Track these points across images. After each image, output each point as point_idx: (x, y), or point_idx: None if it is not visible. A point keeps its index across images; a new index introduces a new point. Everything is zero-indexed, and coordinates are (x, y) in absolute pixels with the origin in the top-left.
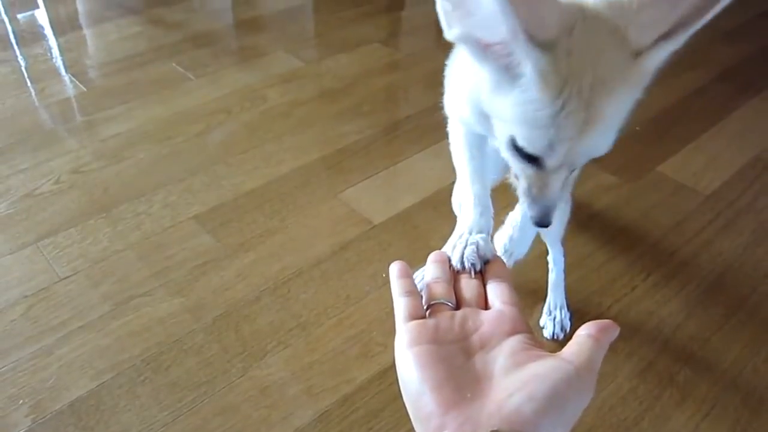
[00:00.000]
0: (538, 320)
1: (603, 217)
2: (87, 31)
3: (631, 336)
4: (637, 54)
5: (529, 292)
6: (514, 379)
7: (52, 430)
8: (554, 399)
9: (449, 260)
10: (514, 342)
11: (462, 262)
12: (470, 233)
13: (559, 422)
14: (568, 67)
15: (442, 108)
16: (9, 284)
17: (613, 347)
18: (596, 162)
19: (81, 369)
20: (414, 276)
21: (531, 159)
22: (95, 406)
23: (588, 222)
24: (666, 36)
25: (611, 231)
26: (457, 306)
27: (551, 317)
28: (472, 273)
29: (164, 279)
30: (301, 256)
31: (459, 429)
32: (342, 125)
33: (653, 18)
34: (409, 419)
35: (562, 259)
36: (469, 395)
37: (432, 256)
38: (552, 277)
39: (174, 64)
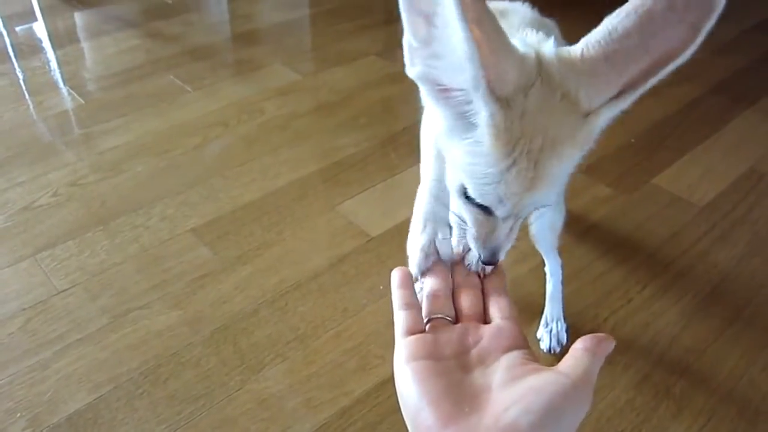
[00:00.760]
0: (535, 333)
1: (599, 230)
2: (85, 44)
3: (628, 348)
4: (587, 115)
5: (526, 305)
6: (511, 392)
7: None
8: (551, 412)
9: (450, 269)
10: (511, 357)
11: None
12: (428, 228)
13: None
14: (521, 128)
15: None
16: (7, 297)
17: (609, 359)
18: (592, 174)
19: (79, 382)
20: (415, 285)
21: (480, 207)
22: (93, 420)
23: (584, 234)
24: (614, 98)
25: (607, 243)
26: (456, 319)
27: (548, 330)
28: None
29: (162, 292)
30: (298, 269)
31: None
32: (339, 138)
33: (601, 80)
34: None
35: (559, 270)
36: (467, 409)
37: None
38: (549, 288)
39: (172, 77)
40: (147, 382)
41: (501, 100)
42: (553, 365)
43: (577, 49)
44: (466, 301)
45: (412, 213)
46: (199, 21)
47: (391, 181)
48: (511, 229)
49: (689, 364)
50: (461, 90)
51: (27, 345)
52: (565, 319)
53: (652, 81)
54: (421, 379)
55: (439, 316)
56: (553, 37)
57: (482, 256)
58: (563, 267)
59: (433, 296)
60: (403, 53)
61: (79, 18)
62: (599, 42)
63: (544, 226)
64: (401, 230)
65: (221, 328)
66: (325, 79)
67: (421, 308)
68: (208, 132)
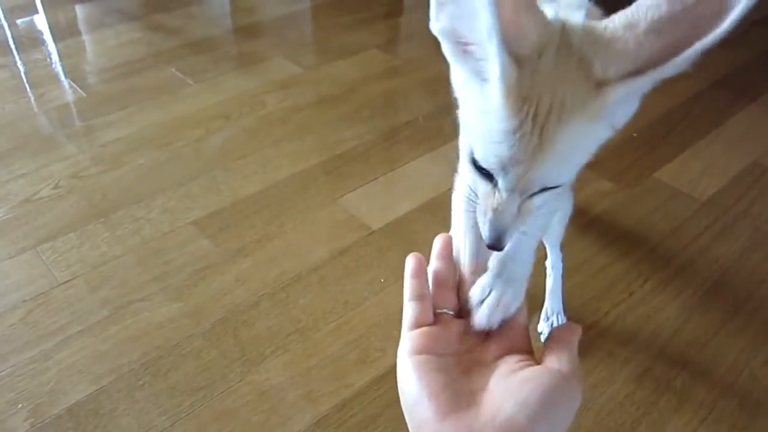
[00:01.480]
0: (536, 326)
1: (600, 223)
2: (86, 37)
3: (629, 341)
4: (599, 85)
5: (527, 298)
6: (506, 385)
7: None
8: (546, 404)
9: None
10: (512, 359)
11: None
12: (499, 282)
13: (552, 428)
14: (530, 87)
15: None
16: (8, 289)
17: (610, 352)
18: (593, 168)
19: (80, 373)
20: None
21: (488, 176)
22: (94, 411)
23: (585, 228)
24: (630, 74)
25: (608, 237)
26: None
27: (548, 323)
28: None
29: (163, 284)
30: (299, 262)
31: None
32: (340, 131)
33: (620, 51)
34: (407, 425)
35: (561, 264)
36: (464, 404)
37: (438, 245)
38: (550, 282)
39: (173, 70)
40: (148, 373)
41: (514, 56)
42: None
43: (603, 21)
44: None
45: (412, 207)
46: (201, 14)
47: (393, 175)
48: (520, 210)
49: (690, 358)
50: (478, 44)
51: (28, 336)
52: (565, 312)
53: (675, 62)
54: (421, 373)
55: (445, 310)
56: (585, 11)
57: (486, 237)
58: (564, 260)
59: (440, 288)
60: (403, 47)
61: (80, 10)
62: (626, 14)
63: (554, 218)
64: (403, 223)
65: (222, 320)
66: (327, 72)
67: (430, 300)
68: (210, 125)
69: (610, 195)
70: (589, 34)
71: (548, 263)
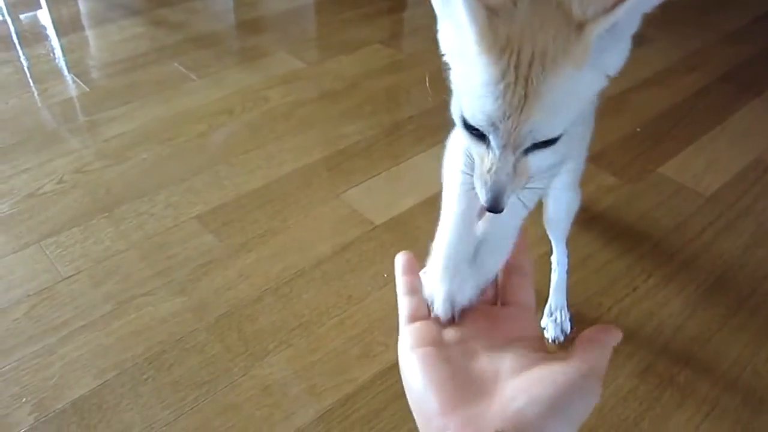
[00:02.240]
0: (540, 321)
1: (604, 219)
2: (89, 32)
3: (632, 337)
4: (581, 27)
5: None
6: (519, 381)
7: (54, 429)
8: (559, 402)
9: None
10: (521, 345)
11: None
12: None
13: (564, 426)
14: (508, 36)
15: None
16: (12, 283)
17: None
18: (597, 163)
19: (84, 368)
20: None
21: (481, 136)
22: (98, 405)
23: (589, 223)
24: (609, 10)
25: (612, 232)
26: None
27: (552, 319)
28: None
29: (166, 278)
30: (302, 256)
31: (462, 430)
32: (343, 126)
33: None
34: (411, 418)
35: (566, 260)
36: (472, 396)
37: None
38: (554, 277)
39: (176, 65)
40: (151, 368)
41: (489, 6)
42: (556, 354)
43: None
44: None
45: (416, 202)
46: (204, 8)
47: (396, 170)
48: (516, 170)
49: (693, 354)
50: None
51: (32, 331)
52: (569, 308)
53: None
54: (426, 366)
55: None
56: None
57: (485, 201)
58: (568, 256)
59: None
60: (407, 42)
61: (83, 5)
62: None
63: (561, 209)
64: (405, 218)
65: (226, 314)
66: (330, 67)
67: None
68: (213, 120)
69: (614, 190)
70: None
71: (554, 259)
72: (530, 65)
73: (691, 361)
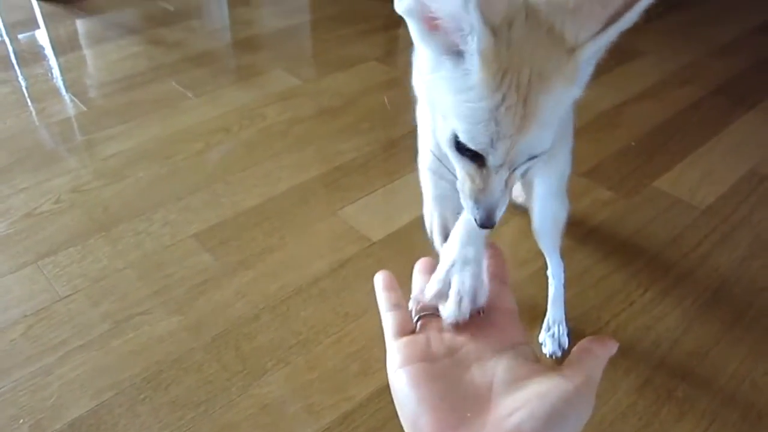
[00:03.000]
0: (537, 335)
1: (600, 233)
2: (87, 51)
3: (630, 351)
4: (572, 50)
5: (526, 309)
6: (515, 397)
7: None
8: (554, 417)
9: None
10: (511, 355)
11: (453, 315)
12: (453, 270)
13: None
14: (508, 58)
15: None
16: (9, 303)
17: (611, 362)
18: (593, 177)
19: (81, 388)
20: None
21: (474, 157)
22: (95, 426)
23: (585, 238)
24: (598, 33)
25: (608, 246)
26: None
27: (550, 333)
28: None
29: (164, 297)
30: (300, 274)
31: None
32: (340, 143)
33: (587, 17)
34: None
35: (561, 272)
36: (468, 414)
37: (418, 266)
38: (551, 291)
39: (174, 84)
40: (149, 387)
41: (490, 27)
42: (554, 369)
43: None
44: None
45: (412, 218)
46: (201, 27)
47: (392, 186)
48: (506, 184)
49: (691, 368)
50: (451, 15)
51: (30, 351)
52: (566, 322)
53: (635, 10)
54: (417, 384)
55: (429, 312)
56: None
57: (478, 218)
58: (564, 270)
59: (421, 294)
60: (402, 59)
61: (81, 25)
62: None
63: (547, 219)
64: (402, 235)
65: (223, 333)
66: (326, 85)
67: (406, 309)
68: (210, 138)
69: (610, 204)
70: (553, 4)
71: (549, 272)
72: (528, 86)
73: (689, 376)
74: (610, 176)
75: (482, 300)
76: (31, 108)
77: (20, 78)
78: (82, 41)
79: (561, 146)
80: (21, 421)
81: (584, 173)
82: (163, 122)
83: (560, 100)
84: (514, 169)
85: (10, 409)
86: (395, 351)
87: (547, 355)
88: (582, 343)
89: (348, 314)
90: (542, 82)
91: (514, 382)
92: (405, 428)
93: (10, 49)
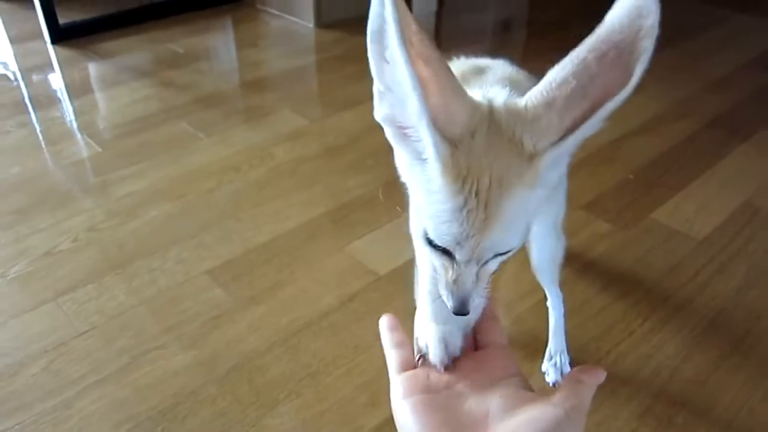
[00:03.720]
0: (540, 365)
1: (599, 265)
2: (100, 95)
3: (630, 380)
4: (531, 158)
5: (528, 341)
6: (510, 423)
7: None
8: None
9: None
10: (506, 385)
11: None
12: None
13: None
14: (468, 165)
15: None
16: (30, 339)
17: (612, 391)
18: (591, 210)
19: (100, 421)
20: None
21: (443, 251)
22: None
23: (584, 269)
24: (556, 143)
25: (607, 278)
26: None
27: (552, 363)
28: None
29: (178, 332)
30: (310, 308)
31: None
32: (346, 180)
33: (545, 127)
34: None
35: (561, 304)
36: None
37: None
38: (551, 322)
39: (185, 125)
40: (165, 420)
41: (448, 139)
42: (546, 396)
43: (522, 100)
44: None
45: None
46: (210, 69)
47: (398, 221)
48: (478, 277)
49: (690, 395)
50: (413, 127)
51: (50, 385)
52: (568, 352)
53: (592, 122)
54: (419, 413)
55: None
56: (508, 90)
57: (451, 307)
58: (565, 302)
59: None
60: None
61: (93, 69)
62: (541, 91)
63: (544, 257)
64: (408, 268)
65: (236, 366)
66: (332, 124)
67: (411, 346)
68: (221, 177)
69: (608, 237)
70: (513, 114)
71: (549, 304)
72: (489, 191)
73: (689, 403)
74: (609, 209)
75: (456, 348)
76: (47, 150)
77: (36, 121)
78: (95, 84)
79: (557, 191)
80: None
81: (583, 206)
82: (175, 162)
83: (522, 204)
84: (486, 262)
85: None
86: (398, 384)
87: (550, 384)
88: (572, 373)
89: (357, 347)
90: (502, 187)
91: (509, 409)
92: None
93: (26, 93)
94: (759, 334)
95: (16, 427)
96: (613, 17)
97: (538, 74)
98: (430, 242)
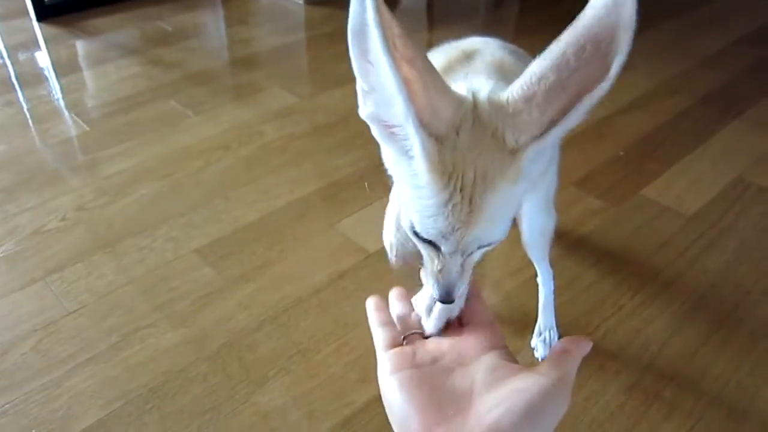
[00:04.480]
0: (529, 341)
1: (590, 241)
2: (88, 72)
3: (619, 354)
4: (513, 153)
5: (519, 317)
6: (494, 394)
7: None
8: (531, 411)
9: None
10: (491, 358)
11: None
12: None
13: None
14: (453, 161)
15: None
16: (19, 319)
17: (601, 365)
18: (582, 187)
19: (90, 399)
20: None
21: (429, 243)
22: None
23: (575, 245)
24: (537, 137)
25: (598, 253)
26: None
27: (541, 339)
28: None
29: (168, 311)
30: (300, 286)
31: None
32: (336, 158)
33: (526, 122)
34: None
35: (551, 280)
36: (451, 412)
37: (393, 293)
38: (541, 298)
39: (173, 103)
40: (156, 397)
41: (434, 136)
42: (531, 368)
43: (505, 94)
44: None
45: None
46: (199, 47)
47: (387, 199)
48: (463, 267)
49: (679, 369)
50: (400, 126)
51: (40, 364)
52: (557, 327)
53: (572, 116)
54: (405, 388)
55: (414, 332)
56: (492, 83)
57: (437, 295)
58: (555, 277)
59: (405, 315)
60: None
61: (81, 46)
62: (522, 86)
63: (535, 232)
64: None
65: (226, 344)
66: (322, 101)
67: (396, 326)
68: (210, 155)
69: (599, 213)
70: (496, 108)
71: (539, 280)
72: (473, 186)
73: (677, 377)
74: (600, 185)
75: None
76: (34, 129)
77: (23, 100)
78: (83, 62)
79: (550, 167)
80: (33, 431)
81: (574, 183)
82: (163, 140)
83: (505, 198)
84: (470, 254)
85: (22, 421)
86: (385, 361)
87: (539, 359)
88: (558, 344)
89: (347, 324)
90: (486, 182)
91: (494, 381)
92: (395, 429)
93: (12, 71)
94: (747, 308)
95: (6, 406)
96: (590, 9)
97: (531, 50)
98: (416, 234)
